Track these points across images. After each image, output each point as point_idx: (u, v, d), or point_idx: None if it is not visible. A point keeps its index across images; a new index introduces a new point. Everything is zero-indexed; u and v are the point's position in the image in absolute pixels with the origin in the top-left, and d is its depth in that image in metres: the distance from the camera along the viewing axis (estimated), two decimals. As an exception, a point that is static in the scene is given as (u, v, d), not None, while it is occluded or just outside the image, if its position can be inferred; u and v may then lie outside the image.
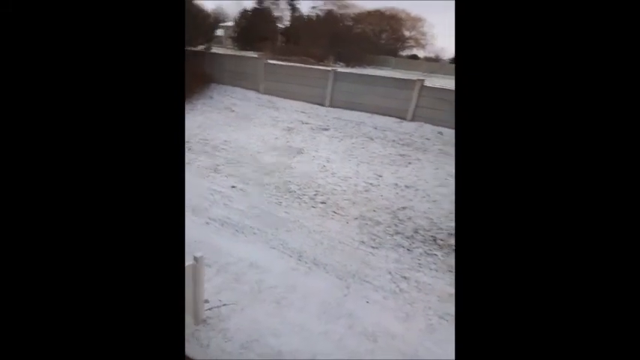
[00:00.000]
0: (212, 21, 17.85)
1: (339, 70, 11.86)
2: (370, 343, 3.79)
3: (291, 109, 11.09)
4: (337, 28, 30.41)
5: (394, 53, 38.78)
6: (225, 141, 9.38)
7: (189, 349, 3.41)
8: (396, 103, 10.06)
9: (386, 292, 4.61)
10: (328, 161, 8.32)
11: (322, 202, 6.77)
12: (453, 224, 6.21)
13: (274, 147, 9.04)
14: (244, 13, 28.45)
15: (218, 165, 8.17)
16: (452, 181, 7.51)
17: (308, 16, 31.54)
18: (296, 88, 11.57)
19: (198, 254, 3.36)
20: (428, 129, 9.51)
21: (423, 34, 42.49)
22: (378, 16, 38.02)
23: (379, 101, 10.30)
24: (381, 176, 7.72)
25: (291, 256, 5.19)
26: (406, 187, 7.35)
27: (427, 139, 9.17)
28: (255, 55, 14.68)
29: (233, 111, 11.29)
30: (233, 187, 7.25)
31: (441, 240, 5.83)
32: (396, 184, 7.43)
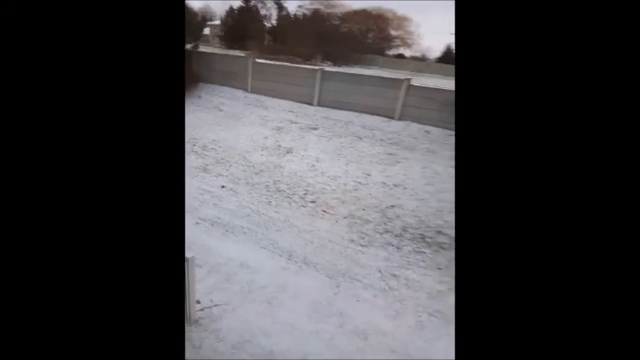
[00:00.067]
0: (199, 19, 17.72)
1: (327, 69, 11.92)
2: (361, 341, 3.83)
3: (280, 109, 11.08)
4: (324, 27, 30.41)
5: (381, 52, 38.91)
6: (214, 140, 9.34)
7: (181, 350, 3.40)
8: (384, 102, 10.13)
9: (376, 290, 4.66)
10: (317, 160, 8.35)
11: (312, 202, 6.79)
12: (440, 222, 6.29)
13: (263, 146, 9.03)
14: (231, 12, 28.28)
15: (207, 165, 8.13)
16: (439, 179, 7.61)
17: (295, 15, 31.52)
18: (284, 88, 11.57)
19: (189, 255, 3.36)
20: (415, 128, 9.60)
21: (410, 33, 42.72)
22: (364, 15, 38.06)
23: (367, 100, 10.36)
24: (369, 175, 7.78)
25: (281, 256, 5.21)
26: (394, 185, 7.42)
27: (414, 137, 9.26)
28: (243, 54, 14.63)
29: (222, 110, 11.24)
30: (223, 186, 7.22)
31: (429, 238, 5.90)
32: (385, 183, 7.49)
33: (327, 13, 34.13)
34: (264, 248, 5.37)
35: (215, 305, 4.06)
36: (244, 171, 7.89)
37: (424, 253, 5.55)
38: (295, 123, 10.20)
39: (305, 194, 7.03)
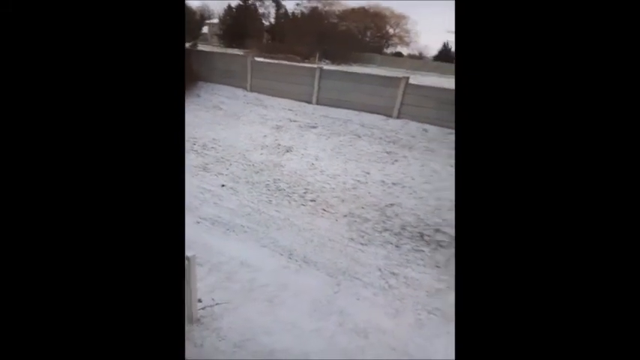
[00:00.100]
0: (198, 18, 17.69)
1: (325, 67, 11.90)
2: (361, 340, 3.86)
3: (279, 107, 11.09)
4: (322, 25, 30.37)
5: (379, 51, 38.94)
6: (214, 139, 9.35)
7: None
8: (382, 101, 10.14)
9: (376, 289, 4.70)
10: (317, 159, 8.37)
11: (312, 200, 6.82)
12: (438, 220, 6.33)
13: (263, 145, 9.05)
14: (229, 11, 28.22)
15: (207, 164, 8.15)
16: (437, 177, 7.64)
17: (293, 13, 31.48)
18: (283, 86, 11.57)
19: (190, 254, 3.38)
20: (413, 126, 9.62)
21: (407, 31, 42.76)
22: (362, 13, 38.05)
23: (365, 99, 10.37)
24: (368, 173, 7.81)
25: (281, 255, 5.24)
26: (393, 184, 7.45)
27: (413, 136, 9.29)
28: (242, 53, 14.62)
29: (221, 109, 11.24)
30: (223, 185, 7.25)
31: (428, 236, 5.94)
32: (384, 182, 7.52)
33: (325, 12, 34.10)
34: (265, 247, 5.40)
35: (216, 304, 4.09)
36: (244, 170, 7.91)
37: (423, 251, 5.58)
38: (294, 121, 10.22)
39: (305, 193, 7.06)
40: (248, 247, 5.34)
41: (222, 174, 7.72)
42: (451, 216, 6.33)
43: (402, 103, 9.95)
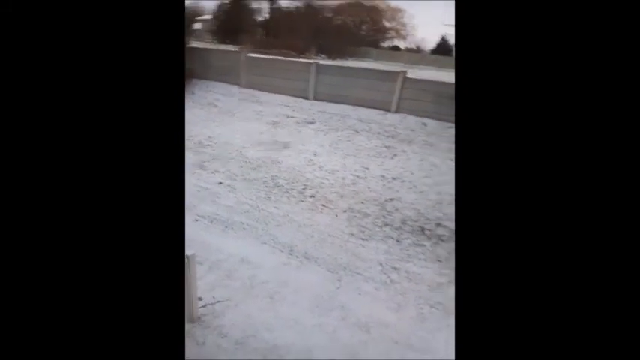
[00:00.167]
0: (190, 14, 17.56)
1: (322, 62, 11.86)
2: (364, 334, 3.85)
3: (275, 103, 11.04)
4: (317, 19, 30.18)
5: (375, 45, 38.78)
6: (210, 137, 9.29)
7: (185, 348, 3.41)
8: (380, 95, 10.12)
9: (377, 283, 4.68)
10: (315, 155, 8.34)
11: (311, 196, 6.79)
12: (439, 214, 6.32)
13: (260, 142, 9.00)
14: (222, 6, 28.02)
15: (204, 161, 8.09)
16: (437, 171, 7.63)
17: (287, 8, 31.29)
18: (279, 82, 11.52)
19: (189, 252, 3.35)
20: (412, 120, 9.61)
21: (404, 25, 42.61)
22: (358, 7, 37.87)
23: (363, 93, 10.34)
24: (367, 169, 7.79)
25: (282, 251, 5.21)
26: (393, 178, 7.43)
27: (411, 130, 9.27)
28: (236, 49, 14.53)
29: (216, 106, 11.18)
30: (220, 183, 7.20)
31: (429, 230, 5.93)
32: (383, 176, 7.50)
33: (320, 6, 33.90)
34: (265, 244, 5.37)
35: (217, 302, 4.06)
36: (241, 167, 7.87)
37: (424, 245, 5.57)
38: (291, 117, 10.18)
39: (304, 189, 7.03)
40: (247, 244, 5.31)
41: (219, 172, 7.67)
42: (452, 210, 6.31)
43: (400, 97, 9.93)
